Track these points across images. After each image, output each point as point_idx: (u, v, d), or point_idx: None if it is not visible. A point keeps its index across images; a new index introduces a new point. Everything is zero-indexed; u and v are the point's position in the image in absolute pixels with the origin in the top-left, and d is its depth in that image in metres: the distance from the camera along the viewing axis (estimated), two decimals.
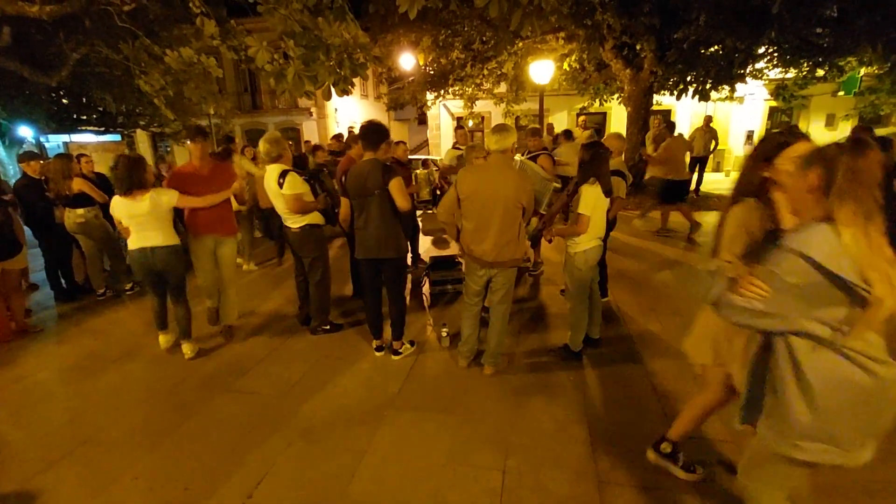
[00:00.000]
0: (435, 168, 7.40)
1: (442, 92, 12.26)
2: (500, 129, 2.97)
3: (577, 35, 8.91)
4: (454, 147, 6.33)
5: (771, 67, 9.76)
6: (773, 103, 14.74)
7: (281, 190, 3.53)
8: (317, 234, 3.81)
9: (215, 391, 3.25)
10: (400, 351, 3.57)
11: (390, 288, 3.47)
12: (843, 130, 14.56)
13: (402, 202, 3.20)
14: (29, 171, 4.85)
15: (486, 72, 11.06)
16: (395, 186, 3.17)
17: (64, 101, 11.90)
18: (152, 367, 3.64)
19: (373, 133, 3.25)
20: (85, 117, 12.95)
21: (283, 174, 3.53)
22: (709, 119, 10.44)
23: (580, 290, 3.33)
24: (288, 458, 2.54)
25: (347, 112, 20.59)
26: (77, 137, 15.76)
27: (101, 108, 11.49)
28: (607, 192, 3.14)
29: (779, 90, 12.09)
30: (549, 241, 3.65)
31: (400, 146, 5.93)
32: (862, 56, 8.31)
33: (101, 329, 4.45)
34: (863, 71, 11.43)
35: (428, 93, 12.59)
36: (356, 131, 3.92)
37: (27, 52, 6.83)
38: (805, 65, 9.03)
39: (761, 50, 8.52)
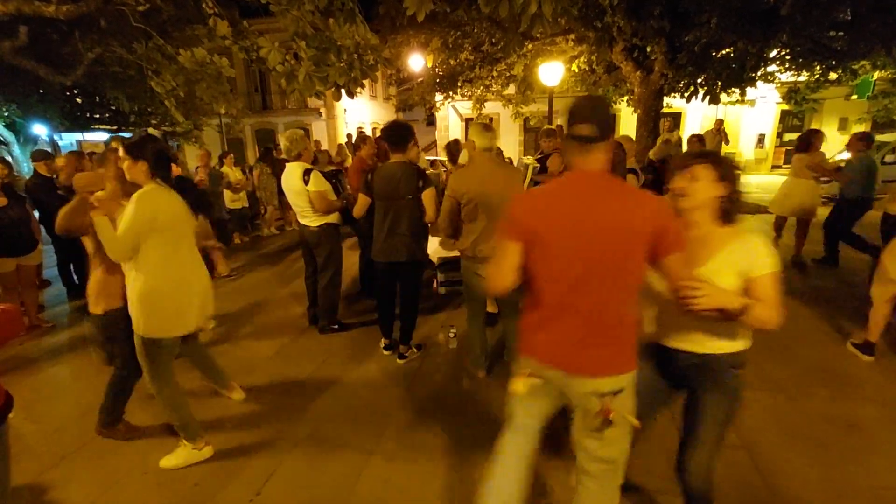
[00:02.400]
0: (444, 169, 7.42)
1: (451, 93, 12.27)
2: (487, 128, 2.99)
3: (587, 37, 8.88)
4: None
5: (783, 70, 9.67)
6: (785, 106, 14.63)
7: (307, 187, 3.55)
8: (334, 232, 3.86)
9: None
10: (406, 355, 3.58)
11: (407, 292, 3.47)
12: None
13: (431, 213, 3.19)
14: (41, 170, 4.93)
15: (495, 73, 11.06)
16: (429, 196, 3.17)
17: (78, 99, 12.06)
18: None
19: (397, 133, 3.22)
20: (98, 116, 13.12)
21: (307, 172, 3.57)
22: (720, 122, 10.37)
23: None
24: (295, 456, 2.55)
25: (356, 113, 20.68)
26: (90, 136, 15.99)
27: (113, 107, 11.63)
28: None
29: (791, 93, 11.99)
30: None
31: (412, 148, 5.95)
32: (875, 60, 8.22)
33: None
34: (876, 75, 11.30)
35: (437, 94, 12.61)
36: (365, 132, 3.95)
37: (43, 52, 6.94)
38: (818, 68, 8.95)
39: (773, 53, 8.45)
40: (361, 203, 3.39)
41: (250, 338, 4.08)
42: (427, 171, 6.71)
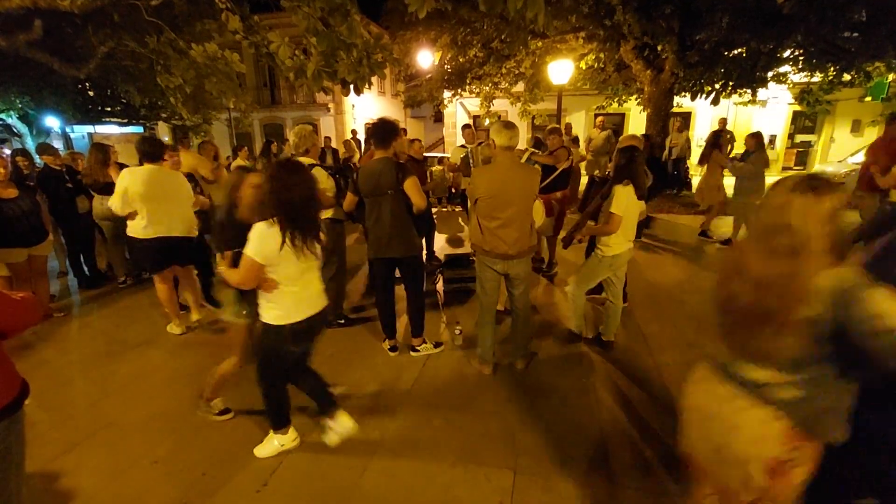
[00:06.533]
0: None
1: (459, 90, 12.25)
2: (510, 126, 2.99)
3: (597, 35, 8.83)
4: (461, 146, 6.25)
5: (796, 71, 9.56)
6: (797, 107, 14.45)
7: None
8: (336, 228, 3.87)
9: (232, 380, 3.30)
10: (418, 349, 3.58)
11: (409, 285, 3.49)
12: (870, 136, 14.21)
13: (418, 201, 3.22)
14: (49, 162, 5.02)
15: (504, 70, 11.02)
16: (411, 185, 3.19)
17: (90, 92, 12.16)
18: (171, 355, 3.72)
19: (383, 131, 3.26)
20: (109, 109, 13.24)
21: (310, 168, 3.58)
22: (723, 122, 10.27)
23: (589, 283, 3.39)
24: (302, 449, 2.58)
25: (364, 109, 20.69)
26: (101, 129, 16.13)
27: (124, 101, 11.72)
28: (642, 195, 3.15)
29: (803, 94, 11.85)
30: (580, 241, 3.65)
31: (415, 143, 5.96)
32: (890, 61, 8.11)
33: (122, 316, 4.56)
34: (891, 77, 11.13)
35: (445, 91, 12.59)
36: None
37: (57, 45, 6.98)
38: (831, 69, 8.84)
39: (786, 53, 8.35)
40: (349, 200, 3.47)
41: None
42: (433, 168, 6.69)
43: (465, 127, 6.30)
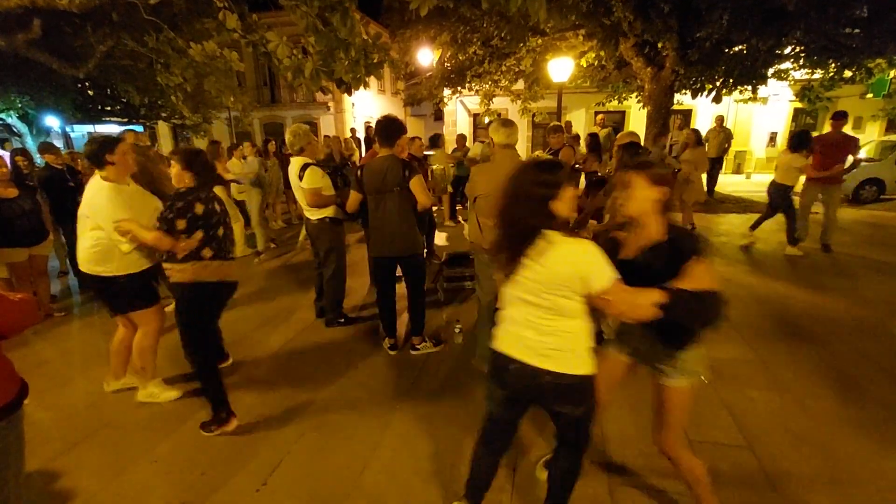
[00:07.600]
0: (451, 165, 7.41)
1: (459, 88, 12.23)
2: (508, 123, 2.98)
3: (596, 32, 8.80)
4: (480, 140, 6.31)
5: (797, 68, 9.54)
6: (798, 104, 14.42)
7: (300, 183, 3.58)
8: (335, 227, 3.86)
9: (231, 380, 3.31)
10: (419, 347, 3.57)
11: (410, 284, 3.49)
12: (870, 133, 14.19)
13: (424, 199, 3.21)
14: (50, 161, 5.01)
15: (504, 68, 11.00)
16: (417, 183, 3.18)
17: (90, 92, 12.15)
18: (171, 355, 3.71)
19: (388, 128, 3.25)
20: (109, 108, 13.23)
21: (304, 167, 3.58)
22: (721, 119, 10.25)
23: None
24: (301, 448, 2.58)
25: (364, 107, 20.68)
26: (101, 128, 16.11)
27: (124, 100, 11.71)
28: None
29: (804, 91, 11.80)
30: None
31: (416, 141, 5.96)
32: (892, 57, 8.09)
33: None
34: (892, 73, 11.11)
35: (445, 89, 12.57)
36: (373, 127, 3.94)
37: (56, 45, 6.99)
38: (832, 66, 8.82)
39: (787, 50, 8.33)
40: (353, 199, 3.43)
41: (257, 330, 4.11)
42: (434, 167, 6.68)
43: (488, 124, 6.39)
